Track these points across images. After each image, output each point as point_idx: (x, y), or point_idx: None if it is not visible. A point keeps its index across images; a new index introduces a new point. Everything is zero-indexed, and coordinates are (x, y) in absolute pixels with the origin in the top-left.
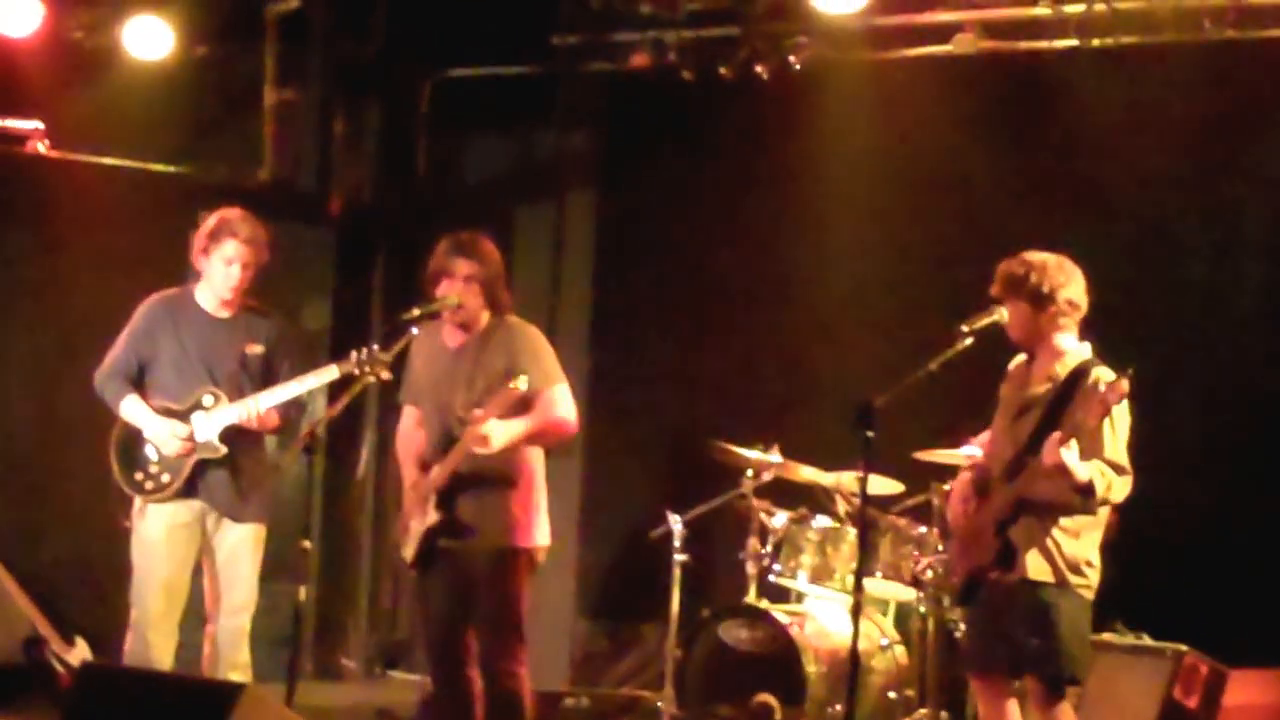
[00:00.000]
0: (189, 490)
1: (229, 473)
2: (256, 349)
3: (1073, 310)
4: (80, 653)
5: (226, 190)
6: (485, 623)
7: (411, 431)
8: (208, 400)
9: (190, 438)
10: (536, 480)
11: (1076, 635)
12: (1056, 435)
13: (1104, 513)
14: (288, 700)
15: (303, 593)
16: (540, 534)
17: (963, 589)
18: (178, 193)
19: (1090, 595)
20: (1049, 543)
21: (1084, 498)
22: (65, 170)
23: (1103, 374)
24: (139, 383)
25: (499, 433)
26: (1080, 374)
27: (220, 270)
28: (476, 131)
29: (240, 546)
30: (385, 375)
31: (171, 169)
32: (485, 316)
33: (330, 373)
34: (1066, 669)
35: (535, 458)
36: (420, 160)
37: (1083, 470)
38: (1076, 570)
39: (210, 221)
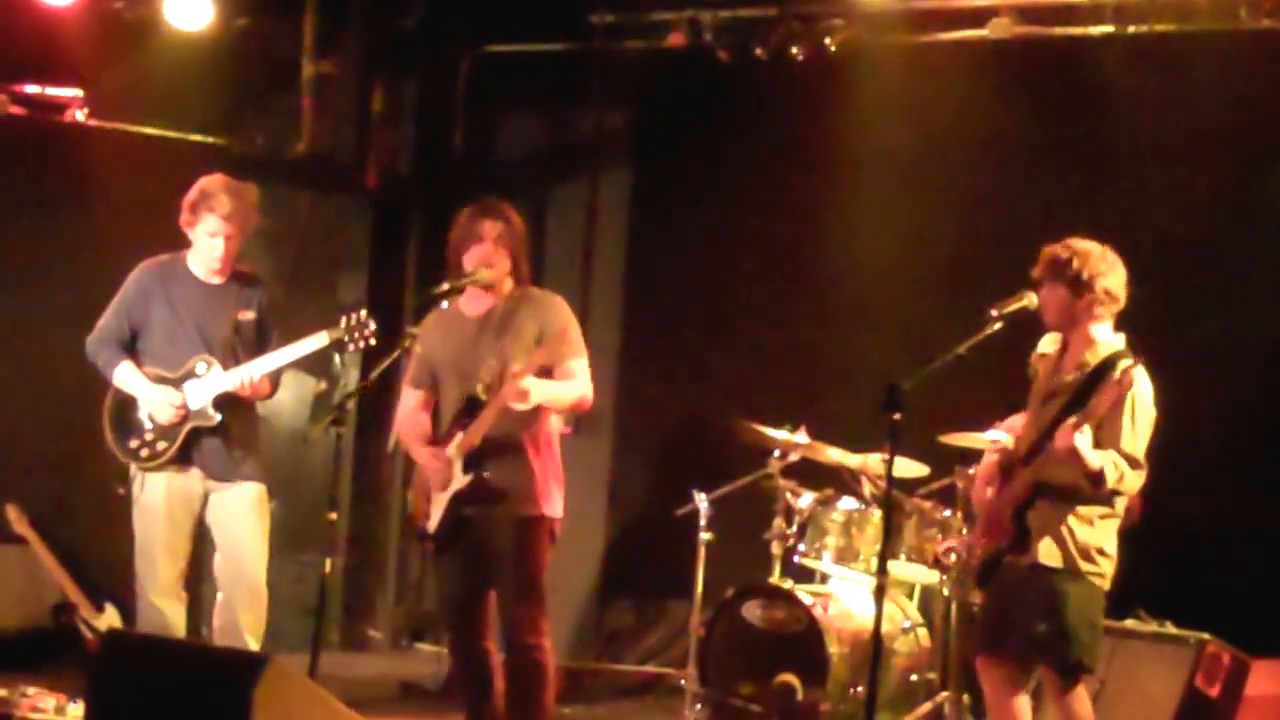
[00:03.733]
0: (184, 458)
1: (222, 439)
2: (249, 315)
3: (1110, 300)
4: (109, 619)
5: (264, 161)
6: (509, 593)
7: (413, 413)
8: (201, 368)
9: (184, 406)
10: (556, 451)
11: (1086, 622)
12: (1071, 420)
13: (1121, 502)
14: (311, 671)
15: (328, 564)
16: (559, 504)
17: (981, 571)
18: (215, 164)
19: (1103, 583)
20: (1063, 528)
21: (1093, 485)
22: (104, 139)
23: (1128, 366)
24: (131, 349)
25: (537, 388)
26: (1109, 365)
27: (204, 243)
28: (513, 108)
29: (239, 506)
30: (418, 348)
31: (209, 140)
32: (509, 283)
33: (320, 339)
34: (1074, 655)
35: (553, 429)
36: (457, 135)
37: (1094, 457)
38: (1088, 557)
39: (191, 193)
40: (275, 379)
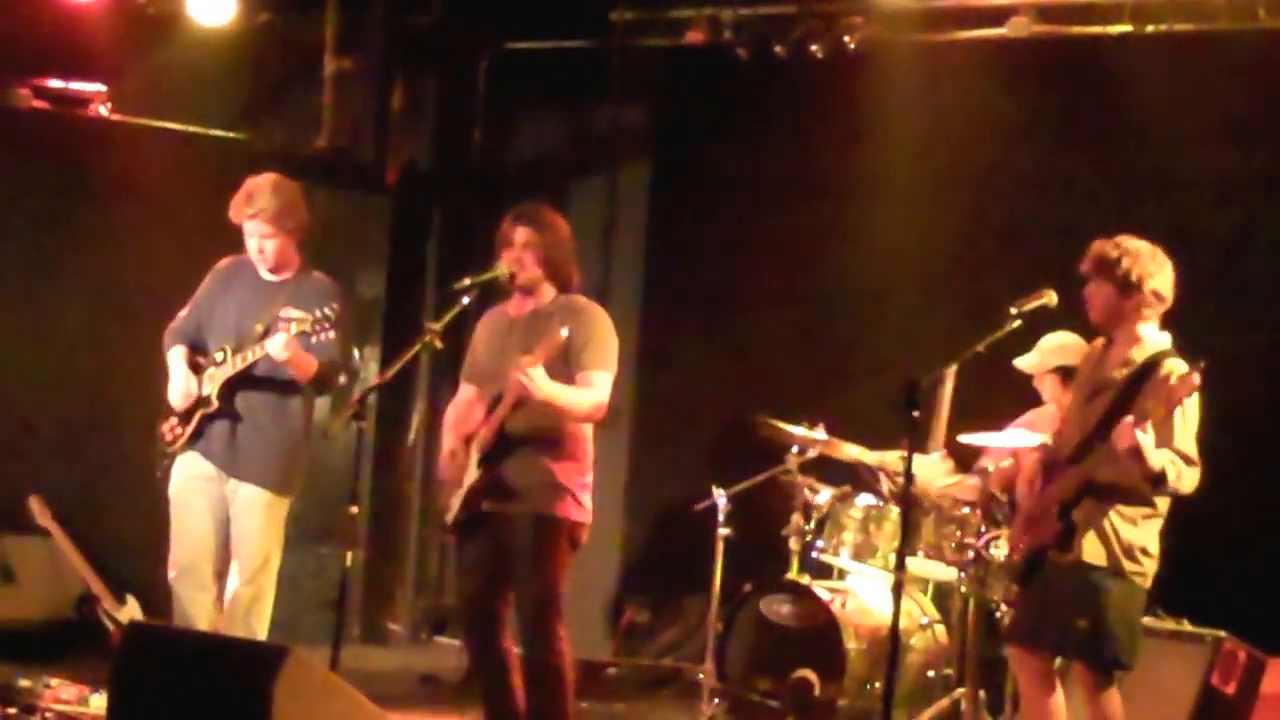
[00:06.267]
0: (196, 444)
1: (230, 430)
2: (295, 314)
3: (1158, 301)
4: (131, 611)
5: (285, 157)
6: (523, 593)
7: (464, 406)
8: (219, 356)
9: (192, 393)
10: (582, 454)
11: (1125, 621)
12: (1129, 419)
13: (1164, 503)
14: (332, 664)
15: (349, 558)
16: (584, 510)
17: (1024, 567)
18: (237, 158)
19: (1145, 583)
20: (1108, 527)
21: (1155, 485)
22: (127, 134)
23: (1175, 366)
24: (200, 341)
25: (543, 380)
26: (1154, 364)
27: (251, 244)
28: (533, 104)
29: (243, 506)
30: (438, 344)
31: (231, 135)
32: (548, 289)
33: (289, 330)
34: (1111, 654)
35: (581, 432)
36: (476, 132)
37: (1156, 457)
38: (1131, 556)
39: (238, 196)
40: (329, 359)
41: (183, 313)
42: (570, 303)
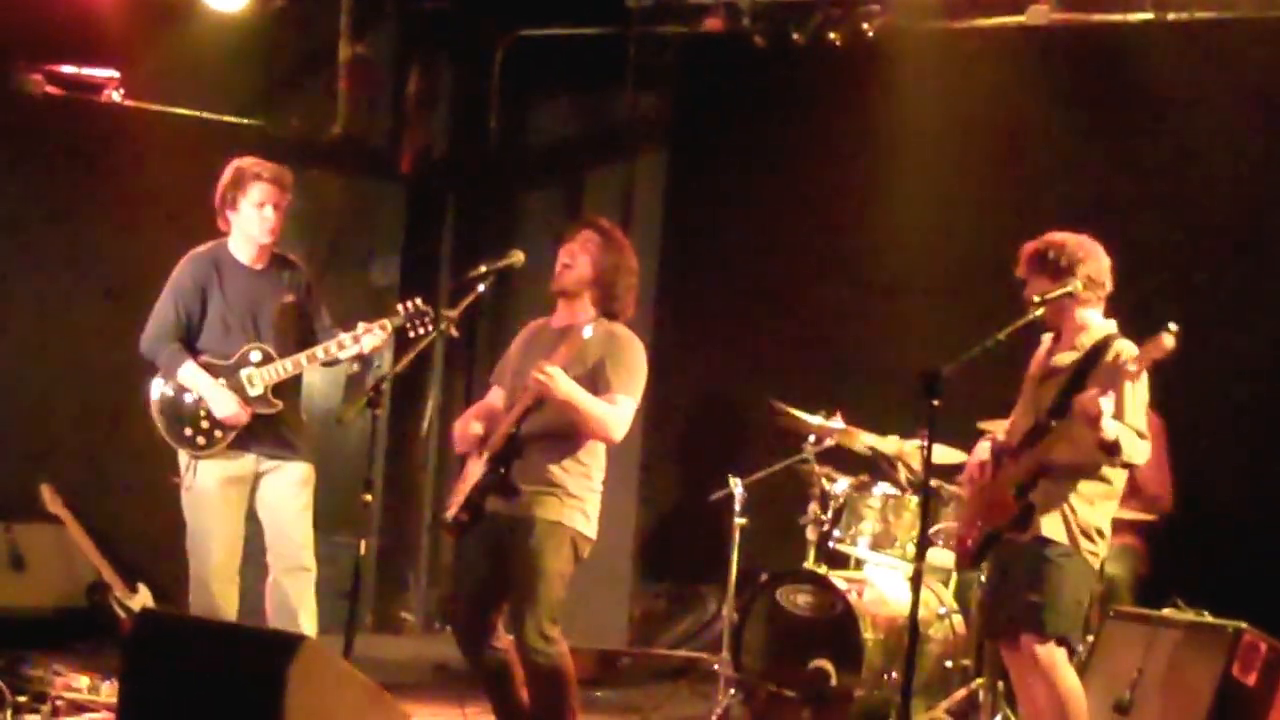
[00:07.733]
0: (239, 443)
1: (276, 422)
2: (290, 299)
3: (1093, 286)
4: (143, 599)
5: (299, 143)
6: (517, 595)
7: (488, 407)
8: (255, 355)
9: (246, 401)
10: (598, 469)
11: (1074, 598)
12: (1093, 390)
13: (1119, 483)
14: (346, 652)
15: (363, 547)
16: (590, 524)
17: (976, 551)
18: (251, 145)
19: (1096, 563)
20: (1065, 507)
21: (1109, 455)
22: (140, 120)
23: (1124, 347)
24: (185, 339)
25: (563, 381)
26: (1103, 346)
27: (253, 216)
28: (549, 92)
29: (288, 485)
30: (453, 332)
31: (245, 121)
32: (589, 304)
33: (384, 327)
34: (1056, 626)
35: (600, 449)
36: (492, 119)
37: (1112, 427)
38: (1088, 536)
39: (228, 173)
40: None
41: (165, 315)
42: (610, 329)
